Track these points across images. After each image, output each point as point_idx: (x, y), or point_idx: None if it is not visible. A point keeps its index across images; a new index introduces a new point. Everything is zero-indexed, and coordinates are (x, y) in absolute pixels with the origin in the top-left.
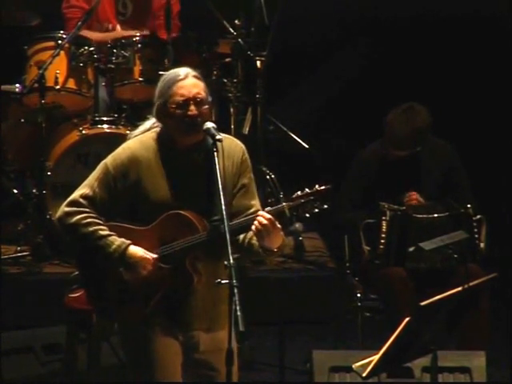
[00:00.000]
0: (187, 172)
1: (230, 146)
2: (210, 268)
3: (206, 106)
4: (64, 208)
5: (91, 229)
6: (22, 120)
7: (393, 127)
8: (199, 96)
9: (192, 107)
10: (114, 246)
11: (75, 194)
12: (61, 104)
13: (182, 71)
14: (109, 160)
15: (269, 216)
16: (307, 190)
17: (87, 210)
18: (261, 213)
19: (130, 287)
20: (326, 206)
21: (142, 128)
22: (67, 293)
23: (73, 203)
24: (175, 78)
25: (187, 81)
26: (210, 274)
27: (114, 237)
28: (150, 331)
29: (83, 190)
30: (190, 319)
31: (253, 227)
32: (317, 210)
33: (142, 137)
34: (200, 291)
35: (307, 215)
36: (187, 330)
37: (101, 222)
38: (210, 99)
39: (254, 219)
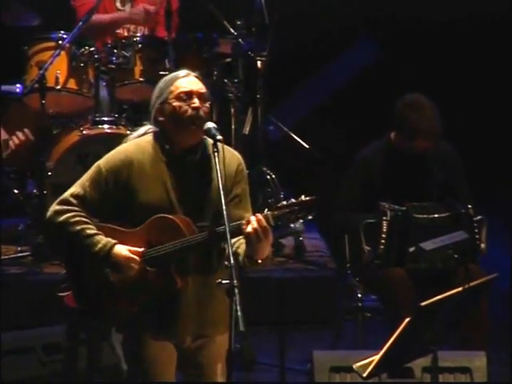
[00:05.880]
0: (180, 176)
1: (227, 155)
2: (200, 279)
3: (208, 104)
4: (54, 206)
5: (78, 227)
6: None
7: (425, 116)
8: (202, 91)
9: (195, 100)
10: (99, 245)
11: (66, 193)
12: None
13: (182, 71)
14: (102, 161)
15: (261, 221)
16: (293, 200)
17: (76, 208)
18: (252, 218)
19: (116, 288)
20: (310, 217)
21: (136, 133)
22: (56, 292)
23: (63, 202)
24: (176, 76)
25: (189, 78)
26: (200, 284)
27: (100, 236)
28: (142, 335)
29: (74, 188)
30: (177, 328)
31: (246, 230)
32: (301, 221)
33: (139, 140)
34: (187, 299)
35: (291, 225)
36: (176, 337)
37: (89, 221)
38: (209, 100)
39: (244, 224)
